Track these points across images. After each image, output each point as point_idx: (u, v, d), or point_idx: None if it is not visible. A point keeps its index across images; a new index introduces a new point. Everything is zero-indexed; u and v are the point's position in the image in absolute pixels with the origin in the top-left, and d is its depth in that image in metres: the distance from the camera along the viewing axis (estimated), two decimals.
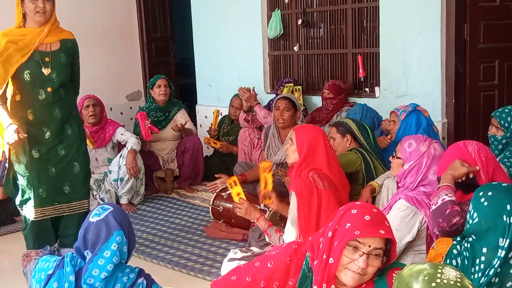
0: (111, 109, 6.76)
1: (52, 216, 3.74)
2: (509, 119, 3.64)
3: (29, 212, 3.70)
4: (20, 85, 3.59)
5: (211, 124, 5.86)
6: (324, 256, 2.05)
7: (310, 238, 2.22)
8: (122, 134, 5.16)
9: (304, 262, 2.16)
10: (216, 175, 4.62)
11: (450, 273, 1.62)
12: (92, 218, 2.35)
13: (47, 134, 3.67)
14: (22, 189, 3.72)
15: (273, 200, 3.52)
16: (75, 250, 2.36)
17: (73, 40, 3.78)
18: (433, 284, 1.59)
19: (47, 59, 3.60)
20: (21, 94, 3.61)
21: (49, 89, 3.63)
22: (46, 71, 3.60)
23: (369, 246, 1.98)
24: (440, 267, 1.65)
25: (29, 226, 3.74)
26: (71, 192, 3.77)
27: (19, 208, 3.81)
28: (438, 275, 1.61)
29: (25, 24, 3.60)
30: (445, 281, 1.59)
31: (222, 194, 4.30)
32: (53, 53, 3.64)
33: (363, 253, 1.98)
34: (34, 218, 3.67)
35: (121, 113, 7.00)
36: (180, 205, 5.16)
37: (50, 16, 3.61)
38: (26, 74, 3.55)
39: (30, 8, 3.52)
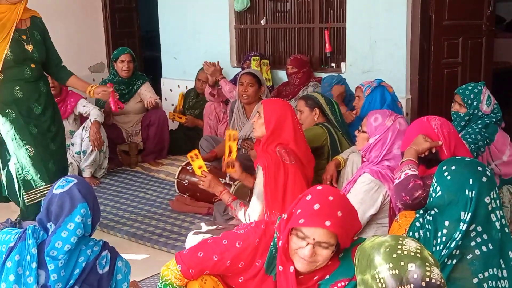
0: None
1: None
2: (472, 96, 3.70)
3: (37, 193, 3.67)
4: (2, 64, 3.54)
5: (176, 106, 5.81)
6: (281, 237, 2.07)
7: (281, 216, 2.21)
8: (84, 106, 5.05)
9: (271, 243, 2.15)
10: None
11: (411, 245, 1.65)
12: (56, 190, 2.29)
13: (39, 110, 3.68)
14: (22, 173, 3.68)
15: (236, 169, 3.45)
16: (38, 222, 2.31)
17: (40, 17, 3.76)
18: (394, 256, 1.62)
19: (24, 36, 3.59)
20: (4, 72, 3.57)
21: (32, 66, 3.64)
22: (29, 47, 3.59)
23: (314, 239, 1.95)
24: (401, 239, 1.68)
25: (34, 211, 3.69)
26: (63, 169, 3.81)
27: (23, 196, 3.73)
28: (399, 246, 1.64)
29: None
30: (405, 252, 1.62)
31: (188, 167, 4.27)
32: (28, 30, 3.63)
33: (308, 243, 1.96)
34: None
35: None
36: (145, 179, 5.11)
37: None
38: (9, 53, 3.52)
39: None
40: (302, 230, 1.97)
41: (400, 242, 1.65)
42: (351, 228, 2.01)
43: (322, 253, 1.97)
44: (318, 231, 1.94)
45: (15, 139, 3.62)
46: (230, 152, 3.46)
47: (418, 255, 1.62)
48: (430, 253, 1.66)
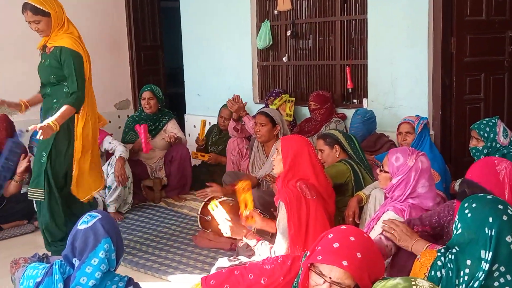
0: None
1: None
2: (487, 129, 3.78)
3: None
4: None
5: (198, 134, 5.87)
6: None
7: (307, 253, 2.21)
8: (110, 143, 5.15)
9: (295, 279, 2.17)
10: (207, 184, 4.62)
11: (424, 284, 1.65)
12: (80, 226, 2.35)
13: None
14: None
15: (256, 220, 3.51)
16: (64, 258, 2.36)
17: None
18: None
19: None
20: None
21: None
22: None
23: (330, 278, 1.94)
24: (412, 280, 1.67)
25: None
26: None
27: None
28: (414, 287, 1.64)
29: None
30: None
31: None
32: None
33: (325, 281, 1.95)
34: None
35: (109, 122, 6.97)
36: (168, 214, 5.16)
37: None
38: None
39: None
40: (319, 267, 1.97)
41: (413, 283, 1.65)
42: (371, 272, 1.95)
43: None
44: (334, 270, 1.93)
45: None
46: (246, 205, 3.50)
47: None
48: None
